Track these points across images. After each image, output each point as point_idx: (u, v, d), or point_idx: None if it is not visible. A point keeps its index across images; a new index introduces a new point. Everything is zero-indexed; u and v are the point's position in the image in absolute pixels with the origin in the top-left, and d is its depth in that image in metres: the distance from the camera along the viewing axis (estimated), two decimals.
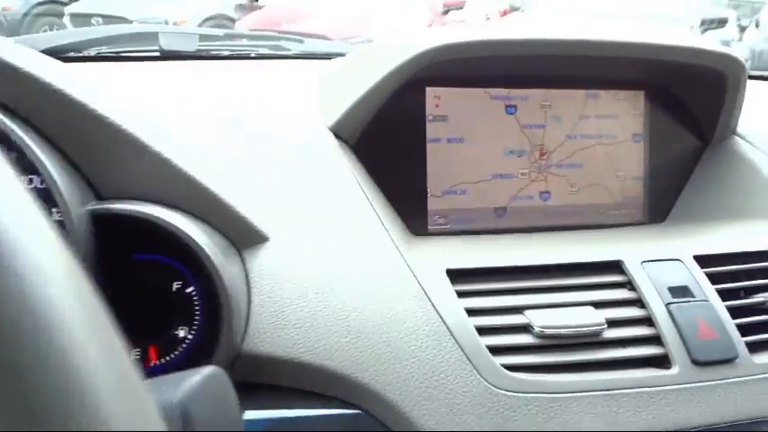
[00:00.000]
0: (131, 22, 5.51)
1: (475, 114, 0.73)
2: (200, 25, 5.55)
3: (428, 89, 0.71)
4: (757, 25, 6.72)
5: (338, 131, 0.65)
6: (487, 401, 0.49)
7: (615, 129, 0.79)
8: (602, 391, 0.51)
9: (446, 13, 5.38)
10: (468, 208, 0.74)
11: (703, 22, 4.85)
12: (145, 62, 0.97)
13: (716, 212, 0.75)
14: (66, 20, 5.13)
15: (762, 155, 0.76)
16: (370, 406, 0.50)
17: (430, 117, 0.72)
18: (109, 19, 5.46)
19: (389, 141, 0.70)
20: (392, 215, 0.62)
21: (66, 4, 5.87)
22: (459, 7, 5.37)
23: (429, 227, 0.72)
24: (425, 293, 0.52)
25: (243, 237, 0.51)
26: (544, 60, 0.72)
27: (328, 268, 0.52)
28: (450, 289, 0.53)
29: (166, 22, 5.53)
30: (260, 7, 5.69)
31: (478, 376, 0.50)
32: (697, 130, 0.80)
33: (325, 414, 0.50)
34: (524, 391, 0.50)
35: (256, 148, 0.61)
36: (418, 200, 0.71)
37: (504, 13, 5.57)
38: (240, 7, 5.89)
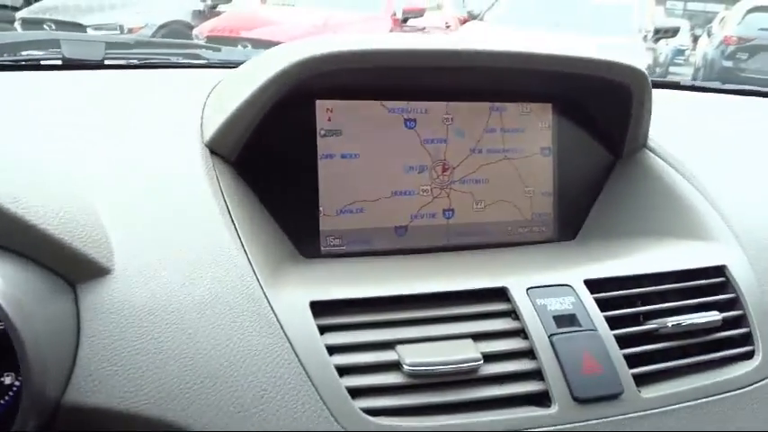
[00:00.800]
0: (85, 28, 5.39)
1: (371, 128, 0.69)
2: (155, 32, 5.45)
3: (318, 102, 0.67)
4: (709, 35, 6.89)
5: (215, 147, 0.60)
6: None
7: (522, 143, 0.75)
8: None
9: (406, 20, 5.37)
10: (366, 228, 0.70)
11: (656, 31, 4.94)
12: (45, 71, 0.91)
13: (626, 230, 0.73)
14: (17, 25, 4.98)
15: (671, 170, 0.73)
16: None
17: (321, 131, 0.68)
18: (62, 25, 5.32)
19: (277, 158, 0.66)
20: (267, 239, 0.57)
21: (18, 9, 5.71)
22: (419, 15, 5.37)
23: (322, 248, 0.67)
24: (282, 330, 0.47)
25: (77, 271, 0.45)
26: (443, 72, 0.68)
27: (175, 305, 0.47)
28: (311, 324, 0.48)
29: (122, 29, 5.41)
30: (218, 14, 5.60)
31: (334, 423, 0.45)
32: (607, 143, 0.78)
33: None
34: None
35: (118, 166, 0.56)
36: (309, 220, 0.67)
37: (464, 21, 5.59)
38: (198, 13, 5.80)
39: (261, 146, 0.64)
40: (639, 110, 0.71)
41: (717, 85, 1.49)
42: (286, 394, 0.45)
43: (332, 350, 0.48)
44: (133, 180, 0.54)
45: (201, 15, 5.67)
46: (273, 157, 0.65)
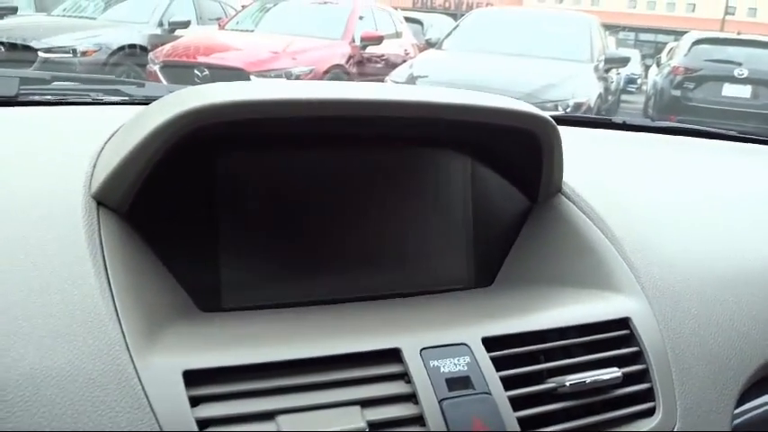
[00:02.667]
0: (36, 51, 5.28)
1: (276, 180, 0.67)
2: (109, 55, 5.36)
3: (217, 152, 0.65)
4: (658, 64, 7.13)
5: (102, 199, 0.57)
6: None
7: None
8: None
9: (365, 48, 5.41)
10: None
11: (607, 61, 5.09)
12: None
13: (538, 276, 0.72)
14: None
15: (583, 217, 0.73)
16: None
17: (222, 183, 0.65)
18: (11, 48, 5.19)
19: (173, 209, 0.63)
20: (153, 298, 0.54)
21: None
22: (378, 42, 5.42)
23: (222, 302, 0.65)
24: (149, 403, 0.44)
25: None
26: (354, 121, 0.66)
27: (30, 380, 0.43)
28: (182, 395, 0.45)
29: (75, 52, 5.31)
30: (176, 38, 5.55)
31: None
32: (524, 189, 0.77)
33: None
34: None
35: None
36: (209, 272, 0.64)
37: (422, 49, 5.66)
38: (155, 37, 5.74)
39: (156, 196, 0.61)
40: (550, 156, 0.71)
41: (648, 122, 1.53)
42: None
43: (204, 423, 0.45)
44: (5, 225, 0.51)
45: (158, 39, 5.61)
46: (170, 208, 0.63)
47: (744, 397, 0.64)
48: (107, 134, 0.65)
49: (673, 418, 0.56)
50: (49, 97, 0.99)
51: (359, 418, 0.48)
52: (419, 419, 0.49)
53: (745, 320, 0.66)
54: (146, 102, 0.95)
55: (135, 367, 0.46)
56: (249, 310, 0.63)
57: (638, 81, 9.41)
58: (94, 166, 0.61)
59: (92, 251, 0.52)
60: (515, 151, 0.74)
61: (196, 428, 0.44)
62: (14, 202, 0.54)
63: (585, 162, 0.92)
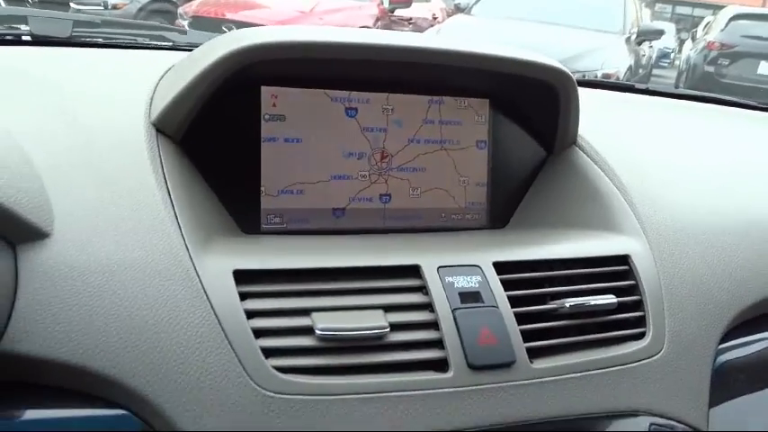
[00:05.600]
0: (68, 2, 5.35)
1: (314, 115, 0.74)
2: (139, 9, 5.42)
3: (263, 88, 0.71)
4: (693, 39, 6.98)
5: (161, 126, 0.64)
6: (251, 403, 0.49)
7: (459, 135, 0.80)
8: (375, 393, 0.52)
9: (393, 10, 5.39)
10: (305, 208, 0.74)
11: (640, 34, 5.01)
12: (13, 46, 0.95)
13: (549, 220, 0.78)
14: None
15: (596, 168, 0.78)
16: (134, 406, 0.49)
17: (266, 116, 0.72)
18: (45, 1, 5.28)
19: (222, 139, 0.70)
20: (204, 214, 0.62)
21: None
22: (406, 5, 5.40)
23: (262, 226, 0.72)
24: (206, 295, 0.52)
25: (18, 233, 0.49)
26: (383, 65, 0.72)
27: (107, 267, 0.51)
28: (233, 290, 0.53)
29: (106, 6, 5.37)
30: None
31: (247, 378, 0.50)
32: (540, 139, 0.83)
33: (88, 414, 0.49)
34: (291, 393, 0.51)
35: (64, 138, 0.60)
36: (251, 199, 0.71)
37: (450, 14, 5.62)
38: None
39: (207, 127, 0.68)
40: (567, 109, 0.76)
41: (670, 89, 1.56)
42: (204, 351, 0.50)
43: (250, 314, 0.53)
44: (77, 152, 0.58)
45: None
46: (219, 139, 0.70)
47: (729, 335, 0.71)
48: (158, 73, 0.72)
49: (660, 343, 0.63)
50: (99, 40, 1.06)
51: (382, 319, 0.55)
52: (434, 325, 0.57)
53: (736, 266, 0.72)
54: (189, 48, 1.02)
55: (194, 265, 0.53)
56: (286, 234, 0.71)
57: (672, 56, 9.22)
58: (152, 98, 0.68)
59: (154, 169, 0.59)
60: (535, 103, 0.80)
61: (244, 317, 0.52)
62: (84, 131, 0.61)
63: (604, 120, 0.97)
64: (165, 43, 1.09)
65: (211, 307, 0.52)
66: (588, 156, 0.80)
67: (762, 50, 5.97)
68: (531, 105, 0.81)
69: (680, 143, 0.97)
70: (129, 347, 0.49)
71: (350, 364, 0.53)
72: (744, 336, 0.72)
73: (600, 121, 0.94)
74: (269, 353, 0.52)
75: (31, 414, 0.49)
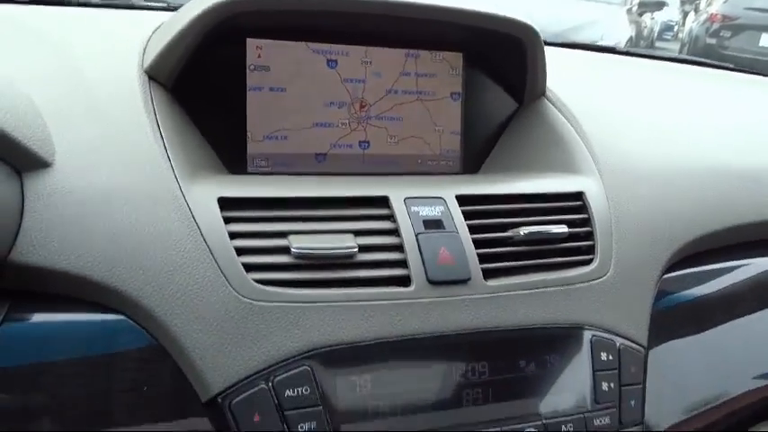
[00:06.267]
0: None
1: (297, 66, 0.79)
2: None
3: (249, 40, 0.77)
4: (696, 11, 6.95)
5: (153, 74, 0.70)
6: (234, 309, 0.56)
7: (434, 87, 0.86)
8: (344, 302, 0.59)
9: None
10: (289, 153, 0.80)
11: (641, 5, 5.01)
12: (13, 4, 1.00)
13: (519, 165, 0.84)
14: None
15: (561, 117, 0.84)
16: (129, 311, 0.56)
17: (251, 67, 0.78)
18: None
19: (210, 88, 0.76)
20: (193, 152, 0.68)
21: None
22: None
23: (249, 168, 0.78)
24: (193, 218, 0.58)
25: (23, 161, 0.56)
26: (361, 17, 0.78)
27: (104, 193, 0.58)
28: (217, 215, 0.59)
29: None
30: None
31: (230, 289, 0.57)
32: (511, 91, 0.88)
33: (90, 318, 0.56)
34: (270, 301, 0.57)
35: (64, 80, 0.66)
36: (238, 143, 0.77)
37: None
38: None
39: (197, 77, 0.74)
40: (534, 62, 0.81)
41: (652, 52, 1.60)
42: (192, 266, 0.57)
43: (233, 236, 0.60)
44: (75, 96, 0.64)
45: None
46: (208, 88, 0.76)
47: (672, 268, 0.77)
48: (148, 29, 0.78)
49: (606, 268, 0.69)
50: (96, 0, 1.11)
51: (352, 241, 0.62)
52: (399, 248, 0.63)
53: (680, 205, 0.78)
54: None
55: (182, 193, 0.60)
56: (270, 175, 0.77)
57: (675, 28, 9.16)
58: (145, 49, 0.73)
59: (147, 111, 0.65)
60: (505, 57, 0.85)
61: (228, 238, 0.59)
62: (82, 78, 0.67)
63: (579, 78, 1.03)
64: (160, 4, 1.14)
65: (198, 228, 0.58)
66: (555, 107, 0.86)
67: (764, 23, 5.94)
68: (501, 59, 0.86)
69: (646, 99, 1.03)
70: (124, 261, 0.56)
71: (322, 279, 0.60)
72: (686, 269, 0.79)
73: (575, 78, 1.00)
74: (249, 268, 0.59)
75: (40, 317, 0.56)
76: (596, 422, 0.64)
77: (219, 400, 0.55)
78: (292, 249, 0.60)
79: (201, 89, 0.75)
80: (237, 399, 0.55)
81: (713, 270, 0.83)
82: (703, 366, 0.78)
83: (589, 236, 0.71)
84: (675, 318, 0.78)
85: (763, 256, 0.87)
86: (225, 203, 0.61)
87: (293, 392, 0.56)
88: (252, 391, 0.55)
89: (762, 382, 0.82)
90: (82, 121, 0.62)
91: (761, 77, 1.36)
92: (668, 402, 0.73)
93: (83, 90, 0.66)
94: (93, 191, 0.58)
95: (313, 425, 0.55)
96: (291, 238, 0.61)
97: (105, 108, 0.64)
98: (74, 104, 0.64)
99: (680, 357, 0.77)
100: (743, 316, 0.83)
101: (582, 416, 0.64)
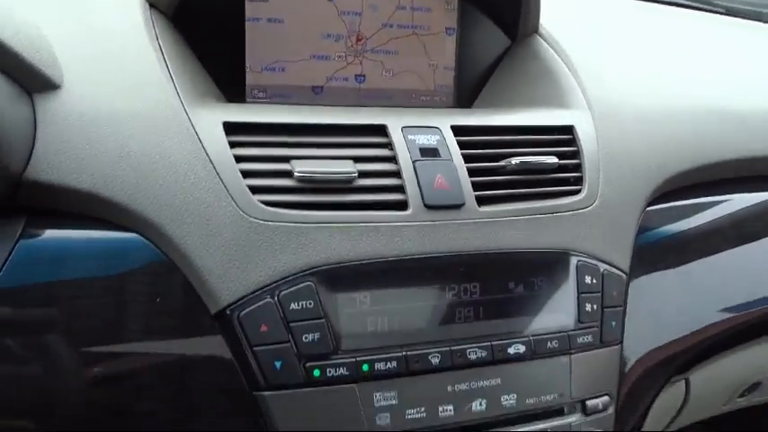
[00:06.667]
0: None
1: None
2: None
3: None
4: None
5: (153, 1, 0.70)
6: (241, 228, 0.59)
7: (430, 21, 0.86)
8: (345, 223, 0.62)
9: None
10: (287, 84, 0.81)
11: None
12: None
13: (512, 100, 0.86)
14: None
15: (553, 53, 0.86)
16: (141, 230, 0.59)
17: None
18: None
19: (209, 17, 0.76)
20: (195, 79, 0.69)
21: None
22: None
23: (247, 99, 0.80)
24: (200, 141, 0.60)
25: (33, 82, 0.57)
26: None
27: (113, 115, 0.59)
28: (223, 138, 0.61)
29: None
30: None
31: (237, 209, 0.59)
32: (504, 28, 0.90)
33: (103, 236, 0.59)
34: (275, 221, 0.60)
35: (68, 11, 0.66)
36: (236, 74, 0.78)
37: None
38: None
39: (197, 8, 0.74)
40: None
41: None
42: (199, 187, 0.59)
43: (238, 159, 0.62)
44: (80, 24, 0.64)
45: None
46: (206, 17, 0.76)
47: (656, 201, 0.81)
48: None
49: (594, 197, 0.73)
50: None
51: (351, 166, 0.64)
52: (396, 174, 0.66)
53: (666, 140, 0.82)
54: None
55: (189, 117, 0.61)
56: (269, 104, 0.78)
57: None
58: None
59: (150, 37, 0.66)
60: None
61: (234, 161, 0.61)
62: (86, 9, 0.67)
63: (571, 16, 1.04)
64: None
65: (204, 151, 0.60)
66: (548, 43, 0.87)
67: None
68: None
69: (638, 39, 1.04)
70: (135, 180, 0.58)
71: (323, 202, 0.63)
72: (669, 202, 0.83)
73: (568, 17, 1.01)
74: (255, 190, 0.61)
75: (56, 234, 0.58)
76: (579, 340, 0.69)
77: (228, 312, 0.58)
78: (295, 173, 0.62)
79: (201, 19, 0.75)
80: (245, 311, 0.58)
81: (695, 204, 0.87)
82: (681, 295, 0.82)
83: (578, 167, 0.74)
84: (656, 249, 0.82)
85: (742, 192, 0.91)
86: (229, 128, 0.63)
87: (298, 306, 0.59)
88: (258, 304, 0.58)
89: (732, 314, 0.88)
90: (87, 47, 0.63)
91: (753, 22, 1.38)
92: (646, 327, 0.78)
93: (86, 17, 0.66)
94: (102, 113, 0.59)
95: (316, 336, 0.59)
96: (294, 162, 0.63)
97: (110, 35, 0.65)
98: (78, 31, 0.64)
99: (659, 286, 0.81)
100: (721, 249, 0.88)
101: (566, 334, 0.68)
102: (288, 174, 0.63)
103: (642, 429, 0.80)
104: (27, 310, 0.58)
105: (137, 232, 0.59)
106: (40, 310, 0.58)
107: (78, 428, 0.58)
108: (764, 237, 0.91)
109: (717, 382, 0.89)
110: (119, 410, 0.59)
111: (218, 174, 0.60)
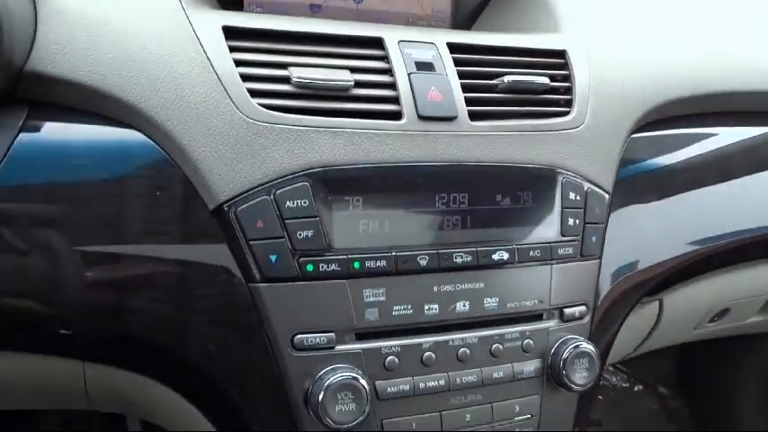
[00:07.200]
0: None
1: None
2: None
3: None
4: None
5: None
6: (240, 128, 0.61)
7: None
8: (341, 129, 0.64)
9: None
10: (284, 1, 0.82)
11: None
12: None
13: (508, 26, 0.87)
14: None
15: None
16: (142, 126, 0.60)
17: None
18: None
19: None
20: None
21: None
22: None
23: (244, 10, 0.80)
24: (200, 43, 0.62)
25: None
26: None
27: (114, 14, 0.60)
28: (222, 42, 0.63)
29: None
30: None
31: (237, 110, 0.61)
32: None
33: (104, 131, 0.60)
34: (273, 123, 0.62)
35: None
36: None
37: None
38: None
39: None
40: None
41: None
42: (200, 87, 0.61)
43: (238, 63, 0.63)
44: None
45: None
46: None
47: (641, 128, 0.83)
48: None
49: (582, 119, 0.75)
50: None
51: (348, 75, 0.66)
52: (392, 86, 0.67)
53: (654, 71, 0.83)
54: None
55: (189, 19, 0.63)
56: (266, 14, 0.79)
57: None
58: None
59: None
60: None
61: (233, 64, 0.62)
62: None
63: None
64: None
65: (204, 53, 0.61)
66: None
67: None
68: None
69: None
70: (135, 77, 0.59)
71: (320, 108, 0.64)
72: (654, 131, 0.85)
73: None
74: (253, 93, 0.63)
75: (57, 127, 0.60)
76: (560, 251, 0.72)
77: (225, 208, 0.61)
78: (293, 79, 0.64)
79: None
80: (242, 207, 0.61)
81: (680, 135, 0.90)
82: (659, 220, 0.85)
83: (568, 90, 0.76)
84: (639, 175, 0.84)
85: (727, 126, 0.93)
86: (229, 33, 0.64)
87: (293, 204, 0.61)
88: (255, 201, 0.61)
89: (706, 243, 0.91)
90: None
91: None
92: (624, 247, 0.81)
93: None
94: (103, 12, 0.60)
95: (310, 233, 0.62)
96: (292, 69, 0.64)
97: None
98: None
99: (639, 211, 0.84)
100: (701, 180, 0.91)
101: (548, 245, 0.71)
102: (285, 80, 0.64)
103: (613, 347, 0.84)
104: (27, 204, 0.59)
105: (137, 129, 0.61)
106: (42, 198, 0.60)
107: (79, 317, 0.61)
108: (745, 172, 0.94)
109: (689, 305, 0.94)
110: (117, 302, 0.62)
111: (217, 75, 0.62)
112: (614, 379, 1.92)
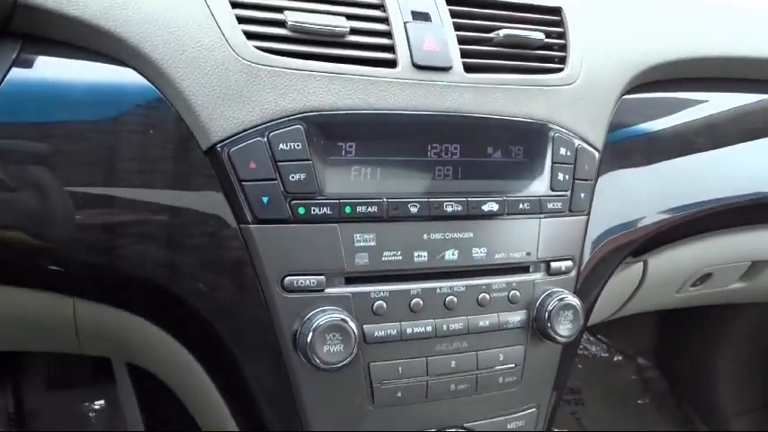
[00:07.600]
0: None
1: None
2: None
3: None
4: None
5: None
6: (235, 69, 0.61)
7: None
8: (337, 74, 0.64)
9: None
10: None
11: None
12: None
13: None
14: None
15: None
16: (136, 64, 0.60)
17: None
18: None
19: None
20: None
21: None
22: None
23: None
24: None
25: None
26: None
27: None
28: None
29: None
30: None
31: (231, 51, 0.61)
32: None
33: (98, 67, 0.60)
34: (269, 65, 0.62)
35: None
36: None
37: None
38: None
39: None
40: None
41: None
42: (196, 26, 0.61)
43: (234, 5, 0.63)
44: None
45: None
46: None
47: (633, 90, 0.84)
48: None
49: (576, 76, 0.75)
50: None
51: (344, 22, 0.66)
52: (388, 34, 0.67)
53: (647, 35, 0.84)
54: None
55: None
56: None
57: None
58: None
59: None
60: None
61: (229, 6, 0.62)
62: None
63: None
64: None
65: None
66: None
67: None
68: None
69: None
70: (129, 13, 0.59)
71: (315, 53, 0.64)
72: (645, 93, 0.86)
73: None
74: (249, 36, 0.62)
75: (50, 61, 0.60)
76: (549, 205, 0.73)
77: (219, 148, 0.61)
78: (288, 23, 0.63)
79: None
80: (235, 148, 0.61)
81: (672, 98, 0.90)
82: (647, 181, 0.86)
83: (563, 48, 0.77)
84: (629, 136, 0.85)
85: (716, 91, 0.94)
86: None
87: (286, 146, 0.61)
88: (248, 142, 0.61)
89: (692, 208, 0.92)
90: None
91: None
92: (612, 206, 0.82)
93: None
94: None
95: (302, 176, 0.62)
96: (287, 13, 0.64)
97: None
98: None
99: (628, 171, 0.85)
100: (691, 145, 0.92)
101: (537, 198, 0.72)
102: (281, 23, 0.64)
103: (597, 306, 0.86)
104: (19, 134, 0.59)
105: (132, 67, 0.61)
106: (33, 134, 0.59)
107: (69, 253, 0.61)
108: (733, 139, 0.95)
109: (673, 267, 0.95)
110: (108, 239, 0.62)
111: (213, 16, 0.61)
112: (594, 348, 1.96)
